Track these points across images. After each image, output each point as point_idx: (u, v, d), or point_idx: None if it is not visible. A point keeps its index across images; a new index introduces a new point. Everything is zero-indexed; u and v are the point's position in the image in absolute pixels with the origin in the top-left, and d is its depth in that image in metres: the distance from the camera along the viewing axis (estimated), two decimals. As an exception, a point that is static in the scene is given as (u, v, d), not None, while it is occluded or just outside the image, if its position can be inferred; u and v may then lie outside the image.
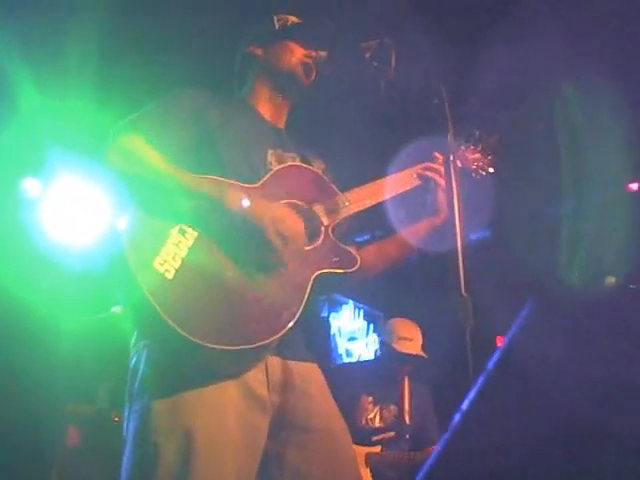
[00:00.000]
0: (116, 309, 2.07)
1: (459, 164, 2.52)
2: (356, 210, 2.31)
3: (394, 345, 4.38)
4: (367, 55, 2.23)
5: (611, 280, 3.53)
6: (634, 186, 4.93)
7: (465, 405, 1.04)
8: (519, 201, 5.19)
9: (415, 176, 2.42)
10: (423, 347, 4.44)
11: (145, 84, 4.04)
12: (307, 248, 2.14)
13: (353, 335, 7.25)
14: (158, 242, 1.93)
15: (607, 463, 1.09)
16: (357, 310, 7.34)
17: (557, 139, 4.72)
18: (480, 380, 1.07)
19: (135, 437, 1.92)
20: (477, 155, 2.63)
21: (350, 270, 2.19)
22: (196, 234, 1.99)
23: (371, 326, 7.37)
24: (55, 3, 3.87)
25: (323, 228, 2.21)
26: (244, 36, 2.52)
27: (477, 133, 2.63)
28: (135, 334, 2.08)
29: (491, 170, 2.65)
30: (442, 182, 2.33)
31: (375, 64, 2.23)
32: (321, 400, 2.17)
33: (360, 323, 7.34)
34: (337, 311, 7.18)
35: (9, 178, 4.63)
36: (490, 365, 1.07)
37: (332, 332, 7.06)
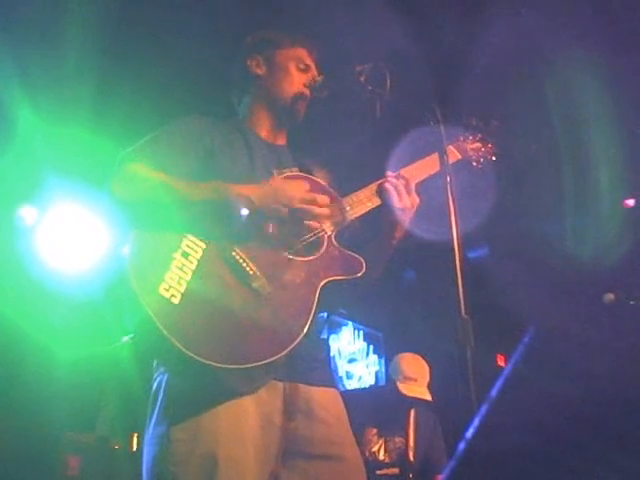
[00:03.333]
0: (125, 339, 2.07)
1: (458, 156, 2.53)
2: (357, 215, 2.30)
3: (399, 385, 4.30)
4: (362, 78, 2.24)
5: (610, 297, 3.52)
6: (630, 202, 4.94)
7: (469, 434, 1.03)
8: (517, 218, 5.20)
9: (374, 193, 2.36)
10: (429, 386, 4.36)
11: (143, 111, 4.06)
12: (312, 258, 2.14)
13: (353, 357, 7.22)
14: (162, 268, 1.93)
15: None
16: (357, 331, 7.31)
17: (554, 156, 4.74)
18: (484, 407, 1.06)
19: (154, 465, 1.94)
20: (477, 144, 2.63)
21: (357, 275, 2.18)
22: (199, 255, 1.99)
23: (371, 347, 7.34)
24: (53, 29, 3.88)
25: (326, 236, 2.20)
26: (245, 46, 2.52)
27: (474, 122, 2.63)
28: (156, 361, 2.10)
29: (493, 158, 2.65)
30: (396, 200, 2.30)
31: (370, 87, 2.24)
32: (338, 427, 2.16)
33: (360, 344, 7.31)
34: (337, 332, 7.15)
35: (5, 205, 4.62)
36: (493, 392, 1.06)
37: (332, 354, 7.03)
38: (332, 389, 2.21)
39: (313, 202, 2.11)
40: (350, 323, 7.22)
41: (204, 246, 2.01)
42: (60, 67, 3.96)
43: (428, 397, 4.30)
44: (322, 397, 2.15)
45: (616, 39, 3.99)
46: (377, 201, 2.32)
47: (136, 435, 4.69)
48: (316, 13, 3.72)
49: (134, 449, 4.67)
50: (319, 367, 2.19)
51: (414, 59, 3.67)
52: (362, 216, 2.31)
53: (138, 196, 2.03)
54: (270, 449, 2.00)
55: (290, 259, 2.10)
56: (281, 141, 2.48)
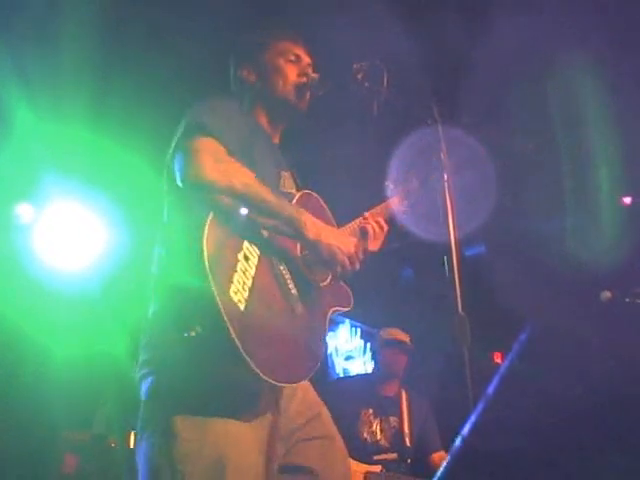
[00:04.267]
0: (191, 333, 1.94)
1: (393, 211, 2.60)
2: None
3: (381, 334, 4.59)
4: (359, 76, 2.24)
5: (607, 295, 3.52)
6: (628, 200, 4.95)
7: (466, 430, 1.04)
8: (514, 216, 5.20)
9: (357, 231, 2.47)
10: (411, 341, 4.56)
11: (140, 109, 4.06)
12: (325, 284, 2.26)
13: (350, 354, 7.24)
14: (230, 267, 1.91)
15: None
16: (354, 329, 7.33)
17: (552, 155, 4.75)
18: (480, 404, 1.06)
19: (156, 459, 1.93)
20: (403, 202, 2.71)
21: (349, 307, 2.35)
22: (256, 260, 2.01)
23: (368, 345, 7.35)
24: (50, 27, 3.88)
25: None
26: (233, 56, 2.53)
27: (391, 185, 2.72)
28: (145, 358, 2.04)
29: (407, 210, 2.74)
30: (372, 242, 2.43)
31: (367, 85, 2.25)
32: (311, 396, 2.28)
33: (357, 342, 7.32)
34: (334, 330, 7.16)
35: (2, 203, 4.62)
36: (490, 390, 1.07)
37: (329, 352, 7.04)
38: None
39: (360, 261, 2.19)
40: (347, 321, 7.23)
41: (259, 253, 2.03)
42: (57, 65, 3.95)
43: (406, 339, 4.54)
44: (305, 390, 2.25)
45: (616, 39, 3.99)
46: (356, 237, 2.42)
47: (133, 433, 4.69)
48: (315, 12, 3.72)
49: (131, 447, 4.68)
50: None
51: (411, 57, 3.68)
52: None
53: (233, 187, 1.98)
54: (273, 449, 2.05)
55: (313, 283, 2.21)
56: (276, 139, 2.50)
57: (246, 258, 1.98)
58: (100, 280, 4.76)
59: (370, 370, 7.07)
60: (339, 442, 2.28)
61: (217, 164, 1.99)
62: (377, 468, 4.21)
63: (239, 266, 1.93)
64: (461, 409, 1.73)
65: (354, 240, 2.22)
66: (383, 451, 4.29)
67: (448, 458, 1.08)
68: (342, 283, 2.35)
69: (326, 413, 2.29)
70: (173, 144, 2.09)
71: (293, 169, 2.45)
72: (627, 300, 3.34)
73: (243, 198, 1.99)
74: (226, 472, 1.86)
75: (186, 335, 1.89)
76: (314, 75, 2.40)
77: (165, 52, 4.11)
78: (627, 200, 4.96)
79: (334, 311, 2.27)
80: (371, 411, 4.36)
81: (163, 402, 1.96)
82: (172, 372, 1.96)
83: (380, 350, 4.64)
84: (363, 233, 2.42)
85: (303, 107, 2.42)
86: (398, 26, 3.79)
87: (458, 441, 1.06)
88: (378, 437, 4.31)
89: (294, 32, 2.52)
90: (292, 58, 2.43)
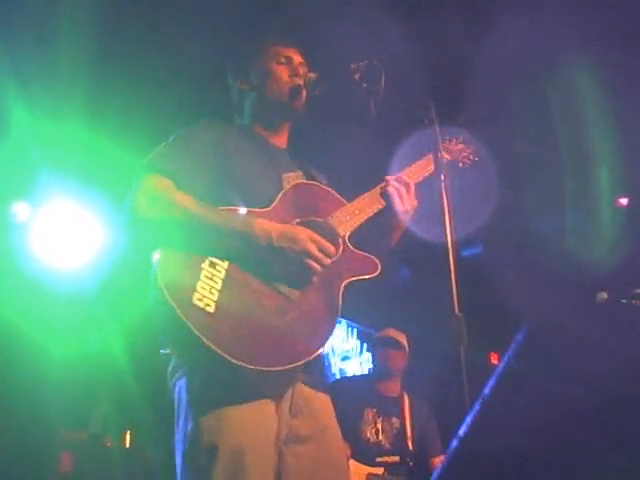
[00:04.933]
0: (164, 351, 2.11)
1: (447, 157, 2.61)
2: (366, 217, 2.35)
3: (377, 335, 4.60)
4: (356, 76, 2.24)
5: (603, 295, 3.52)
6: (624, 201, 4.96)
7: (462, 431, 1.04)
8: (511, 216, 5.20)
9: (378, 196, 2.43)
10: (408, 342, 4.56)
11: (137, 108, 4.05)
12: (330, 261, 2.18)
13: (346, 354, 7.24)
14: (192, 278, 1.97)
15: None
16: (350, 329, 7.33)
17: (551, 154, 4.76)
18: (477, 405, 1.06)
19: (189, 457, 1.99)
20: (460, 146, 2.75)
21: (373, 275, 2.27)
22: (226, 265, 2.04)
23: (364, 345, 7.35)
24: (47, 26, 3.87)
25: (340, 239, 2.26)
26: (229, 68, 2.57)
27: (455, 130, 2.74)
28: (172, 367, 2.13)
29: (476, 159, 2.78)
30: (399, 203, 2.39)
31: (365, 85, 2.25)
32: (332, 429, 2.25)
33: (353, 342, 7.33)
34: (330, 330, 7.14)
35: (-2, 202, 4.61)
36: (486, 390, 1.07)
37: (325, 352, 7.03)
38: (327, 395, 2.28)
39: (325, 253, 2.14)
40: (343, 321, 7.24)
41: (228, 262, 2.05)
42: (54, 63, 3.95)
43: (401, 338, 4.53)
44: (319, 401, 2.23)
45: (617, 39, 4.00)
46: (381, 204, 2.39)
47: (129, 432, 4.69)
48: (314, 11, 3.72)
49: (127, 446, 4.68)
50: (320, 371, 2.31)
51: (409, 57, 3.67)
52: (369, 219, 2.37)
53: (165, 217, 2.05)
54: (279, 443, 2.07)
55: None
56: (283, 144, 2.51)
57: (212, 264, 2.02)
58: (97, 279, 4.76)
59: (366, 371, 7.08)
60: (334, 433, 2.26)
61: (151, 200, 2.06)
62: (379, 470, 4.21)
63: (203, 274, 1.99)
64: (458, 409, 1.73)
65: (308, 234, 2.13)
66: (385, 453, 4.28)
67: (445, 459, 1.08)
68: (359, 250, 2.28)
69: (334, 433, 2.26)
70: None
71: (306, 168, 2.47)
72: (624, 301, 3.34)
73: (179, 227, 2.04)
74: (244, 459, 1.92)
75: (163, 352, 2.07)
76: (311, 74, 2.41)
77: (162, 51, 4.10)
78: (623, 201, 4.97)
79: (352, 281, 2.22)
80: (374, 411, 4.36)
81: (186, 407, 2.04)
82: (185, 377, 2.06)
83: (375, 349, 4.67)
84: (386, 196, 2.39)
85: (299, 107, 2.42)
86: (397, 26, 3.79)
87: (455, 442, 1.06)
88: (380, 437, 4.31)
89: (284, 35, 2.55)
90: (283, 60, 2.45)
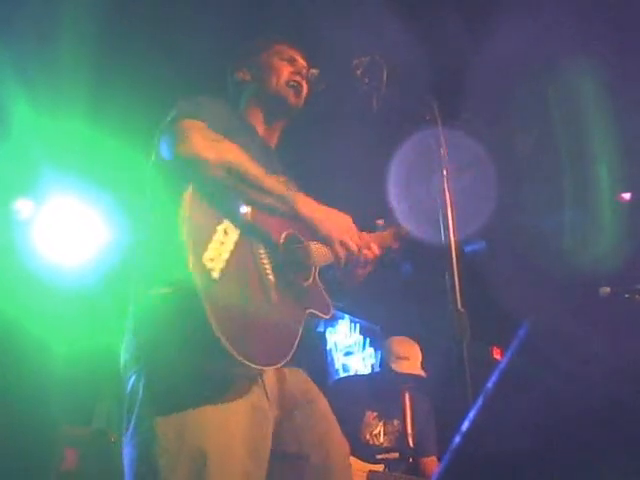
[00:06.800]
0: (162, 290, 1.89)
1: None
2: (329, 260, 2.32)
3: (392, 365, 4.36)
4: (358, 72, 2.24)
5: (606, 290, 3.53)
6: (627, 196, 4.95)
7: (465, 426, 1.04)
8: (514, 212, 5.20)
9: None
10: (422, 365, 4.42)
11: (139, 104, 4.05)
12: (306, 285, 2.22)
13: (349, 350, 7.23)
14: (207, 235, 1.90)
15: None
16: (353, 324, 7.33)
17: (551, 149, 4.75)
18: (479, 400, 1.06)
19: (140, 460, 1.88)
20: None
21: (327, 316, 2.27)
22: (236, 237, 1.99)
23: (367, 340, 7.35)
24: (48, 22, 3.87)
25: (314, 268, 2.28)
26: (230, 61, 2.56)
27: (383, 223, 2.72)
28: (129, 355, 2.02)
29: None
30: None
31: (366, 81, 2.24)
32: (319, 400, 2.25)
33: (356, 337, 7.32)
34: (333, 326, 7.16)
35: (1, 198, 4.62)
36: (489, 385, 1.07)
37: (328, 347, 7.04)
38: (299, 369, 2.25)
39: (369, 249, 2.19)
40: (346, 316, 7.23)
41: (239, 232, 2.01)
42: (56, 60, 3.95)
43: (422, 373, 4.37)
44: (296, 376, 2.21)
45: (616, 38, 3.99)
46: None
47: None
48: (316, 8, 3.72)
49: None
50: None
51: (412, 53, 3.67)
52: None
53: (225, 162, 1.97)
54: (262, 434, 1.99)
55: (294, 279, 2.17)
56: (272, 142, 2.50)
57: (225, 232, 1.96)
58: (100, 275, 4.77)
59: (369, 366, 7.08)
60: (322, 404, 2.25)
61: (207, 141, 1.99)
62: (380, 467, 4.21)
63: (216, 237, 1.91)
64: (460, 405, 1.73)
65: (350, 220, 2.16)
66: (385, 451, 4.27)
67: (447, 455, 1.08)
68: (323, 291, 2.29)
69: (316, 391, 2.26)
70: (161, 128, 2.11)
71: (288, 174, 2.42)
72: (627, 296, 3.34)
73: (235, 174, 1.98)
74: (207, 465, 1.82)
75: (154, 292, 1.87)
76: (313, 70, 2.41)
77: (164, 48, 4.11)
78: (626, 196, 4.97)
79: (311, 313, 2.19)
80: (375, 414, 4.33)
81: (141, 401, 1.94)
82: (144, 367, 1.95)
83: (390, 376, 4.40)
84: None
85: (298, 103, 2.43)
86: (399, 23, 3.79)
87: (457, 437, 1.06)
88: (381, 440, 4.29)
89: (291, 37, 2.54)
90: (287, 57, 2.46)
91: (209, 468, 1.82)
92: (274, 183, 2.05)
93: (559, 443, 1.12)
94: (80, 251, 4.84)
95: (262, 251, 2.07)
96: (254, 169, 2.01)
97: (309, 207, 2.06)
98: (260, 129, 2.45)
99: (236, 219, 2.01)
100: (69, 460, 4.41)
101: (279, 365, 1.97)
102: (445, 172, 2.18)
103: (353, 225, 2.17)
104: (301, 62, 2.46)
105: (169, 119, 2.09)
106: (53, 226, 4.77)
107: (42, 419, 4.47)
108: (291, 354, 2.00)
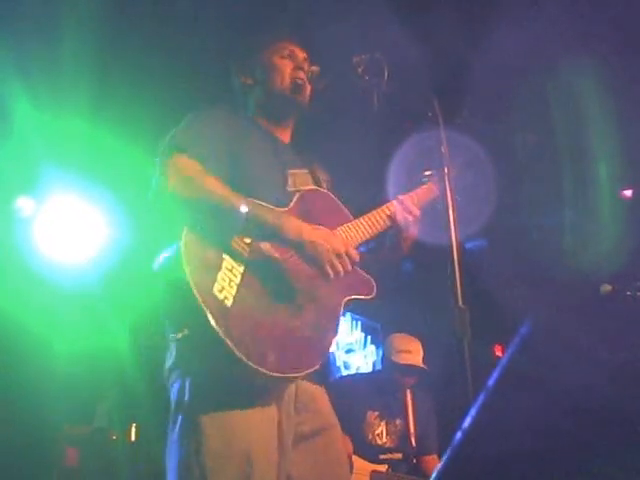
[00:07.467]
0: (177, 335, 2.07)
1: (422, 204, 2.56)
2: (369, 236, 2.38)
3: (393, 358, 4.37)
4: (359, 69, 2.24)
5: (607, 288, 3.52)
6: (628, 193, 4.95)
7: (466, 423, 1.04)
8: (515, 209, 5.20)
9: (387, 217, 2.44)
10: (424, 360, 4.42)
11: (140, 102, 4.06)
12: (351, 268, 2.21)
13: (351, 347, 7.23)
14: (214, 267, 1.96)
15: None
16: (354, 322, 7.33)
17: (551, 148, 4.75)
18: (481, 397, 1.06)
19: (187, 459, 1.96)
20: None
21: (369, 297, 2.30)
22: (247, 256, 2.05)
23: (369, 338, 7.35)
24: (50, 21, 3.87)
25: None
26: (232, 60, 2.57)
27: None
28: (172, 361, 2.11)
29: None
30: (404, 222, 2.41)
31: (367, 78, 2.24)
32: (327, 412, 2.29)
33: (357, 335, 7.32)
34: (334, 323, 7.14)
35: (3, 197, 4.62)
36: (490, 382, 1.07)
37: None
38: (321, 387, 2.30)
39: (351, 259, 2.16)
40: (348, 314, 7.23)
41: (249, 250, 2.05)
42: (58, 58, 3.95)
43: (424, 366, 4.38)
44: (321, 397, 2.27)
45: (616, 38, 3.99)
46: (387, 225, 2.42)
47: (134, 426, 4.70)
48: (317, 7, 3.71)
49: (132, 441, 4.69)
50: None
51: (412, 51, 3.67)
52: (375, 236, 2.40)
53: (198, 197, 2.03)
54: (285, 443, 2.08)
55: (318, 277, 2.16)
56: (286, 139, 2.51)
57: (233, 256, 2.02)
58: (101, 273, 4.77)
59: (370, 363, 7.09)
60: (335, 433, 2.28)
61: (183, 180, 2.03)
62: (383, 467, 4.20)
63: (224, 264, 1.98)
64: (462, 402, 1.73)
65: (342, 238, 2.21)
66: (388, 451, 4.26)
67: (448, 451, 1.08)
68: (360, 270, 2.29)
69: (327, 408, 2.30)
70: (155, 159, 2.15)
71: (312, 166, 2.47)
72: (628, 293, 3.34)
73: (211, 210, 2.03)
74: (254, 467, 1.91)
75: (175, 336, 2.01)
76: (314, 67, 2.41)
77: (165, 46, 4.10)
78: (627, 193, 4.96)
79: (350, 300, 2.23)
80: (377, 413, 4.32)
81: (188, 405, 2.02)
82: (189, 375, 2.04)
83: (392, 370, 4.44)
84: (392, 220, 2.41)
85: (304, 100, 2.43)
86: (400, 22, 3.79)
87: (459, 434, 1.06)
88: (384, 440, 4.28)
89: (287, 31, 2.56)
90: (286, 53, 2.46)
91: (255, 470, 1.92)
92: (257, 212, 2.07)
93: (559, 440, 1.12)
94: (81, 249, 4.84)
95: (274, 265, 2.10)
96: (234, 201, 2.04)
97: (295, 230, 2.08)
98: (271, 128, 2.46)
99: (235, 250, 2.04)
100: (70, 459, 4.41)
101: (307, 372, 2.04)
102: (446, 170, 2.17)
103: (344, 243, 2.18)
104: (301, 55, 2.46)
105: (161, 149, 2.13)
106: (54, 224, 4.77)
107: (43, 418, 4.47)
108: (320, 362, 2.07)
